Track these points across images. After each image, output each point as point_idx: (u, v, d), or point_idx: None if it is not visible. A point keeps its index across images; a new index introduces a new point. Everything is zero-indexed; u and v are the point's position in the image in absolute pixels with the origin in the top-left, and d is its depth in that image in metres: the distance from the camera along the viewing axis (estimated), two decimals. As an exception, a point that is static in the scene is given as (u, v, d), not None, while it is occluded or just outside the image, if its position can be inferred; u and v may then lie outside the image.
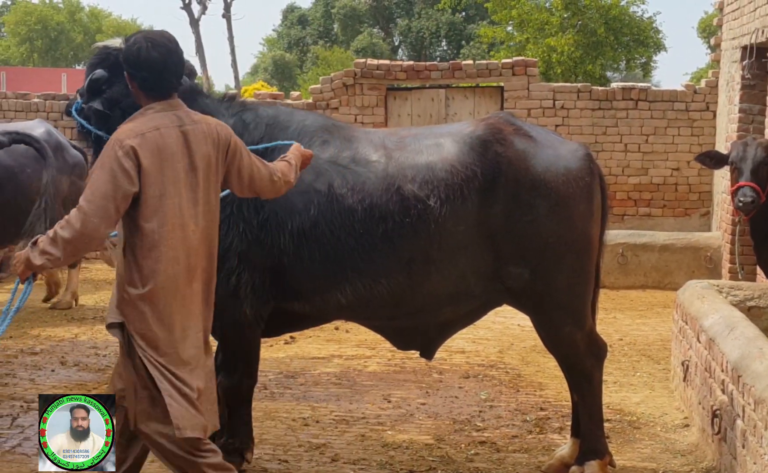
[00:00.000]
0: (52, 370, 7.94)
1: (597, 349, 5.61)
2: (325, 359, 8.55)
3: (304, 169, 5.09)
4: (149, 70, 4.37)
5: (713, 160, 8.94)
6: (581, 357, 5.57)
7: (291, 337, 9.39)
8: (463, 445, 6.29)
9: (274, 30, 64.61)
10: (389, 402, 7.27)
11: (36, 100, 14.63)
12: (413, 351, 8.83)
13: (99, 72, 5.48)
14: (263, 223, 5.40)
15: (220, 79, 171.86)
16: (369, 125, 13.38)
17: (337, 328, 9.67)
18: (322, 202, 5.42)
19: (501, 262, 5.40)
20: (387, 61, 14.74)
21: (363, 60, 14.56)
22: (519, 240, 5.35)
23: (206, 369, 4.48)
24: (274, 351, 8.87)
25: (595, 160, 5.62)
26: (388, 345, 9.04)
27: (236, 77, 44.24)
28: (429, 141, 5.57)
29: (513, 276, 5.40)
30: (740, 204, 8.18)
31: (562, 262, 5.39)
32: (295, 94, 15.70)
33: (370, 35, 54.37)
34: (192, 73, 5.86)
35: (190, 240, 4.35)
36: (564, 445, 6.01)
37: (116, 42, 5.51)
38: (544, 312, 5.57)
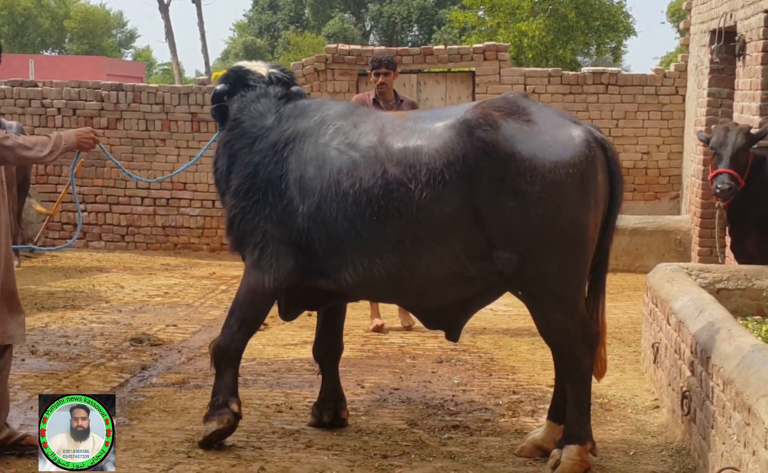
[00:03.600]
0: (23, 359, 7.89)
1: (589, 337, 5.57)
2: (298, 345, 8.56)
3: (85, 148, 5.88)
4: None
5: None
6: (572, 345, 5.54)
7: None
8: (436, 429, 6.32)
9: (244, 15, 64.55)
10: (363, 387, 7.29)
11: (3, 86, 14.45)
12: (387, 338, 8.93)
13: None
14: (285, 207, 5.91)
15: (190, 65, 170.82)
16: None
17: (309, 315, 9.66)
18: (324, 187, 5.78)
19: (492, 246, 5.44)
20: (358, 46, 14.71)
21: (334, 45, 14.51)
22: (506, 225, 5.37)
23: None
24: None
25: (601, 146, 5.50)
26: (361, 330, 9.11)
27: (207, 63, 43.99)
28: (424, 124, 5.70)
29: (503, 260, 5.44)
30: (718, 191, 8.22)
31: (550, 249, 5.37)
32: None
33: (341, 20, 54.26)
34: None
35: None
36: (537, 428, 6.05)
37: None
38: (535, 298, 5.59)
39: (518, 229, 5.35)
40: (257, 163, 6.07)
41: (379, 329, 9.14)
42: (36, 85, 14.50)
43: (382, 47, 14.74)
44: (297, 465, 5.66)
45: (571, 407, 5.61)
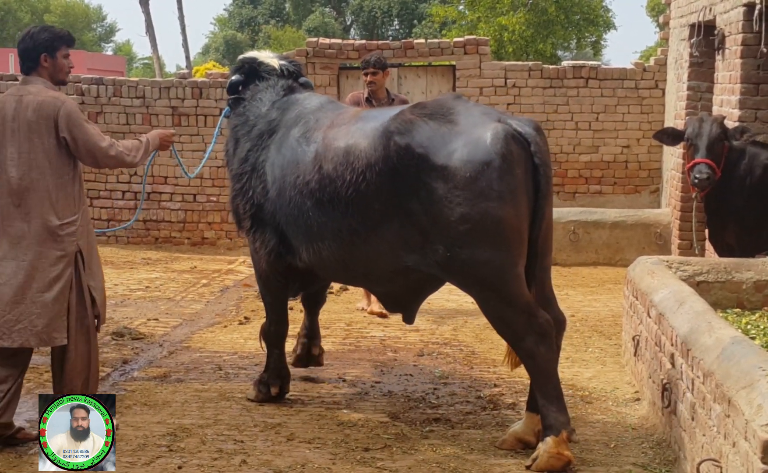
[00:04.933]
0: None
1: (538, 326, 5.59)
2: (280, 339, 8.53)
3: (165, 148, 6.44)
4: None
5: (671, 136, 9.03)
6: (517, 335, 5.64)
7: (245, 318, 9.39)
8: (417, 422, 6.33)
9: (225, 9, 64.25)
10: (344, 381, 7.29)
11: (-18, 80, 14.36)
12: (368, 331, 8.94)
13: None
14: (262, 190, 6.53)
15: (171, 59, 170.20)
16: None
17: (291, 308, 9.66)
18: (283, 175, 6.39)
19: (424, 239, 5.72)
20: (339, 40, 14.69)
21: (315, 39, 14.49)
22: (429, 219, 5.66)
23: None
24: (228, 332, 8.87)
25: (522, 142, 5.62)
26: (342, 324, 9.11)
27: (187, 57, 43.73)
28: (362, 124, 6.12)
29: (434, 252, 5.71)
30: (696, 181, 8.26)
31: (472, 241, 5.56)
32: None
33: (321, 14, 54.19)
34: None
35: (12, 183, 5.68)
36: (518, 421, 6.07)
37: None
38: (469, 289, 5.87)
39: (440, 223, 5.62)
40: (248, 150, 6.68)
41: (377, 315, 9.49)
42: (16, 79, 14.38)
43: (363, 41, 14.71)
44: (278, 459, 5.66)
45: (539, 399, 5.65)
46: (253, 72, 7.03)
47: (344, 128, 6.19)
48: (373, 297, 9.46)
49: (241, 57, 7.39)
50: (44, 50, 5.77)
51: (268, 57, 7.13)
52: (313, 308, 7.38)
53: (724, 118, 8.65)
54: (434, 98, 6.27)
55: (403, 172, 5.72)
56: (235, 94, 7.03)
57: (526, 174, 5.63)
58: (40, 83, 5.79)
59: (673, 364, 5.69)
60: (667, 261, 7.37)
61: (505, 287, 5.61)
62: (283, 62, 7.10)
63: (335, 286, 10.13)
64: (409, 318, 6.56)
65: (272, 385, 6.76)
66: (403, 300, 6.39)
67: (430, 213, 5.64)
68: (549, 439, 5.52)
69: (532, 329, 5.59)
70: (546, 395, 5.61)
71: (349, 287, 10.34)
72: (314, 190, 6.13)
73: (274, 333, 6.88)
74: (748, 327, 6.39)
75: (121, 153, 5.90)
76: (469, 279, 5.75)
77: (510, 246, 5.60)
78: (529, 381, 6.12)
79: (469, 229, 5.55)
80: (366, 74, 9.41)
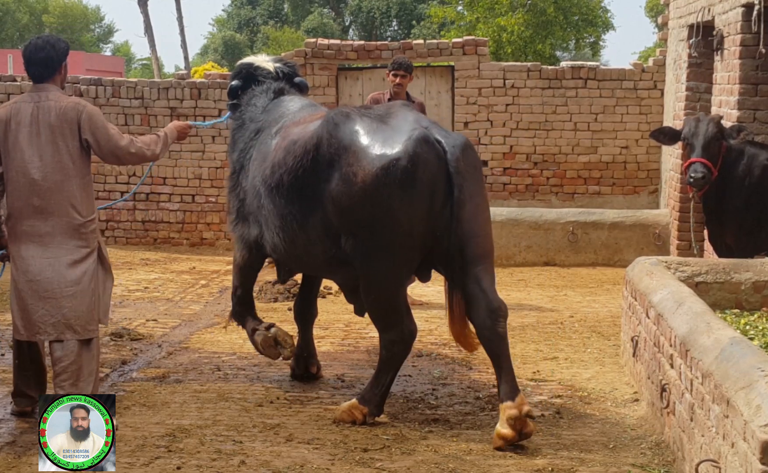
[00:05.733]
0: (2, 354, 7.86)
1: (402, 330, 6.20)
2: (279, 340, 8.53)
3: (182, 138, 6.92)
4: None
5: (667, 136, 9.03)
6: (384, 327, 6.26)
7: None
8: (416, 423, 6.33)
9: (223, 10, 64.34)
10: (343, 381, 7.29)
11: (-19, 81, 14.35)
12: (366, 331, 8.93)
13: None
14: (245, 187, 6.95)
15: (169, 59, 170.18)
16: (320, 105, 13.35)
17: (289, 309, 9.67)
18: (255, 170, 6.84)
19: (337, 228, 6.16)
20: (338, 41, 14.70)
21: (313, 40, 14.49)
22: (339, 210, 6.09)
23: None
24: (227, 333, 8.85)
25: (437, 149, 5.93)
26: (341, 325, 9.11)
27: (186, 58, 43.77)
28: (310, 123, 6.54)
29: (344, 242, 6.15)
30: (691, 180, 8.26)
31: (369, 236, 6.00)
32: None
33: (320, 15, 54.17)
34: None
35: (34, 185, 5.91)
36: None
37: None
38: (360, 277, 6.27)
39: (346, 214, 6.05)
40: (240, 150, 7.11)
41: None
42: (15, 80, 14.40)
43: (362, 42, 14.73)
44: (277, 459, 5.66)
45: (375, 379, 6.33)
46: (250, 76, 7.41)
47: (304, 123, 6.60)
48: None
49: (239, 63, 7.76)
50: (65, 58, 6.10)
51: (263, 61, 7.52)
52: (306, 324, 7.47)
53: (721, 117, 8.65)
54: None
55: (329, 160, 6.13)
56: (234, 99, 7.40)
57: (435, 181, 5.91)
58: (55, 90, 6.06)
59: (671, 365, 5.69)
60: (666, 262, 7.37)
61: (384, 284, 6.14)
62: (278, 65, 7.48)
63: (334, 287, 10.13)
64: (359, 311, 6.97)
65: (256, 328, 7.06)
66: (354, 290, 6.64)
67: (338, 203, 6.05)
68: (351, 401, 6.35)
69: (396, 329, 6.18)
70: (378, 380, 6.31)
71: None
72: (267, 178, 6.58)
73: (238, 311, 7.22)
74: (747, 327, 6.39)
75: (140, 148, 6.26)
76: (361, 272, 6.17)
77: (396, 246, 5.99)
78: (530, 383, 6.13)
79: (369, 225, 5.96)
80: (395, 75, 9.78)
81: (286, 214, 6.43)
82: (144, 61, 66.91)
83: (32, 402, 6.22)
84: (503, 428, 5.78)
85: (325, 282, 9.42)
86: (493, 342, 5.94)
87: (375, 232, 5.95)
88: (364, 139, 6.04)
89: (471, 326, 6.12)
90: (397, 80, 9.77)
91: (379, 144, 5.98)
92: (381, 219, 5.91)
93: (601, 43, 36.32)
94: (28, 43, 6.18)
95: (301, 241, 6.42)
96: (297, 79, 7.53)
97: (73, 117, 5.95)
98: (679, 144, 8.94)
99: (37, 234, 5.93)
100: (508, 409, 5.80)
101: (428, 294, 10.22)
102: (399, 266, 6.10)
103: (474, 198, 6.00)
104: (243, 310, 7.19)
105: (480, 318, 5.94)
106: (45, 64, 6.05)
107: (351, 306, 9.82)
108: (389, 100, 9.50)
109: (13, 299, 6.01)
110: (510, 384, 5.92)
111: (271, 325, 7.06)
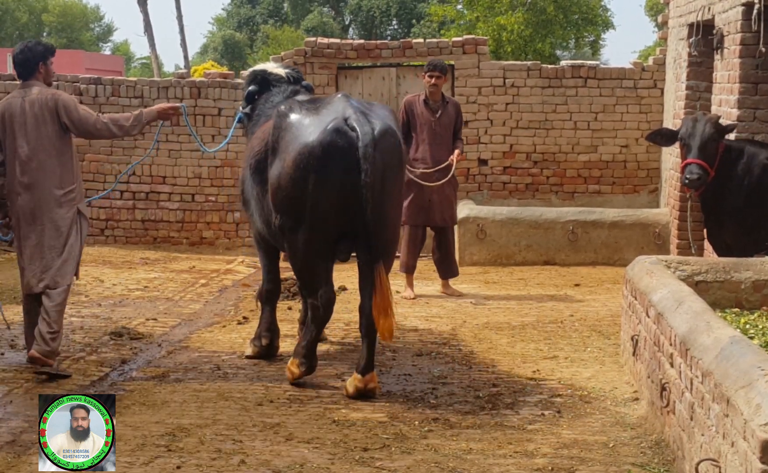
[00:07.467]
0: (2, 354, 7.86)
1: (323, 294, 6.95)
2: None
3: (164, 118, 7.91)
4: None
5: (664, 137, 9.04)
6: (308, 291, 7.08)
7: (244, 318, 9.38)
8: (416, 422, 6.33)
9: (223, 9, 64.29)
10: (343, 380, 7.28)
11: (-19, 80, 14.34)
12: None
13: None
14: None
15: (169, 58, 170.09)
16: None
17: (290, 308, 9.68)
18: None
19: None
20: (337, 40, 14.68)
21: (313, 39, 14.47)
22: (271, 194, 6.99)
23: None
24: (227, 332, 8.87)
25: (351, 137, 6.65)
26: (341, 324, 9.10)
27: (186, 57, 43.79)
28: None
29: (272, 220, 7.07)
30: (686, 181, 8.26)
31: (284, 211, 6.90)
32: (245, 73, 15.58)
33: (320, 14, 54.18)
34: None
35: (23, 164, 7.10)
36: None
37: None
38: (287, 247, 7.15)
39: (275, 193, 6.92)
40: (252, 146, 7.68)
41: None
42: (14, 79, 14.38)
43: (361, 41, 14.73)
44: (277, 459, 5.65)
45: (302, 340, 7.17)
46: (265, 82, 8.20)
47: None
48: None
49: (251, 70, 8.65)
50: (40, 59, 7.27)
51: (274, 67, 8.37)
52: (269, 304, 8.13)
53: (719, 117, 8.64)
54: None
55: (273, 147, 7.01)
56: (251, 103, 8.17)
57: (346, 167, 6.63)
58: (38, 85, 7.26)
59: (671, 364, 5.69)
60: (666, 261, 7.37)
61: (304, 255, 6.92)
62: (288, 70, 8.29)
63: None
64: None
65: (264, 338, 7.82)
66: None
67: (273, 184, 6.93)
68: (291, 360, 7.13)
69: (318, 292, 6.93)
70: (305, 336, 7.11)
71: (348, 286, 10.36)
72: (248, 163, 7.60)
73: (267, 291, 7.96)
74: (747, 326, 6.39)
75: (105, 124, 7.34)
76: (286, 242, 7.04)
77: (313, 223, 6.78)
78: (530, 382, 6.13)
79: (284, 200, 6.85)
80: (431, 77, 10.36)
81: (255, 194, 7.46)
82: (143, 60, 66.90)
83: None
84: (350, 387, 6.82)
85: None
86: (370, 325, 6.78)
87: (296, 209, 6.79)
88: (295, 130, 6.88)
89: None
90: (432, 81, 10.35)
91: (303, 134, 6.80)
92: (300, 198, 6.73)
93: (601, 42, 36.35)
94: (15, 48, 7.40)
95: (266, 221, 7.31)
96: (303, 83, 8.25)
97: (52, 105, 7.14)
98: (678, 144, 8.93)
99: (26, 209, 7.12)
100: (357, 381, 6.79)
101: (429, 297, 10.19)
102: (316, 241, 6.86)
103: (383, 182, 6.67)
104: (268, 296, 7.98)
105: (363, 299, 6.86)
106: (24, 65, 7.26)
107: (351, 306, 9.88)
108: (424, 101, 10.41)
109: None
110: (366, 361, 6.85)
111: (271, 346, 7.91)
